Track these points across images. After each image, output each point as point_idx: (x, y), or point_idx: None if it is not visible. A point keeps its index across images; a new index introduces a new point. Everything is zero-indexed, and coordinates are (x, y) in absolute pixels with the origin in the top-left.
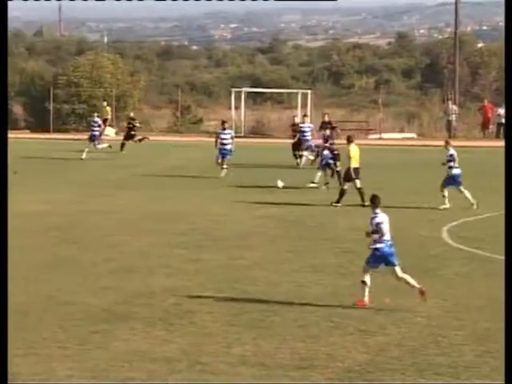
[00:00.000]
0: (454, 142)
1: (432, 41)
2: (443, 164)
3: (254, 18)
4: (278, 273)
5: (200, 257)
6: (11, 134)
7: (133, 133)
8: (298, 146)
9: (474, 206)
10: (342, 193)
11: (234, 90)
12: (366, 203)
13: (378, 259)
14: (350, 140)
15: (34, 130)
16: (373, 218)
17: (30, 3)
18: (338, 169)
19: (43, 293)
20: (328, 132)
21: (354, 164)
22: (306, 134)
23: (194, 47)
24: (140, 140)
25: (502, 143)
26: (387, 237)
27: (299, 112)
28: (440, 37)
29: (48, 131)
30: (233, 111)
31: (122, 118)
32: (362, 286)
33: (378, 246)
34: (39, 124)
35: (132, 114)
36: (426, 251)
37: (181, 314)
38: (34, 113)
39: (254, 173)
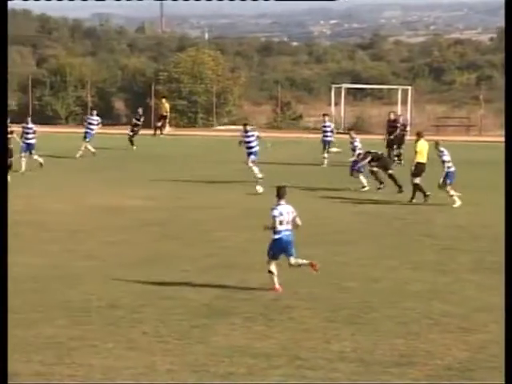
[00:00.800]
0: None
1: None
2: None
3: (355, 14)
4: (377, 269)
5: (299, 252)
6: (113, 130)
7: (136, 129)
8: (391, 143)
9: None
10: (416, 188)
11: (333, 86)
12: (414, 200)
13: (278, 250)
14: (419, 135)
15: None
16: (272, 209)
17: (132, 2)
18: (390, 171)
19: (145, 288)
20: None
21: (420, 159)
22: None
23: (295, 43)
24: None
25: None
26: (285, 227)
27: (399, 108)
28: None
29: (149, 127)
30: (333, 107)
31: (222, 114)
32: (270, 275)
33: (277, 236)
34: None
35: (140, 111)
36: None
37: (280, 309)
38: (136, 109)
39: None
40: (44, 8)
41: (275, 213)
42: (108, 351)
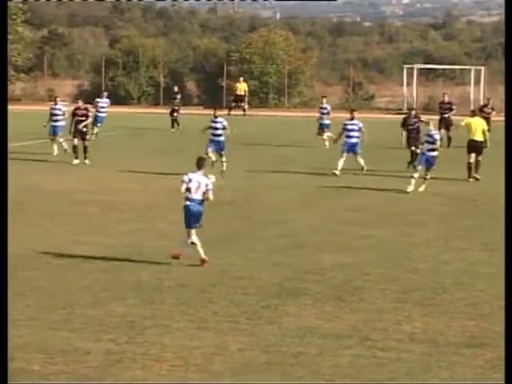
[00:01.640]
0: None
1: None
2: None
3: None
4: (448, 250)
5: (370, 233)
6: (185, 110)
7: (176, 108)
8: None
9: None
10: (469, 166)
11: (405, 66)
12: (471, 179)
13: (186, 217)
14: (473, 113)
15: (207, 106)
16: (184, 174)
17: None
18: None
19: (216, 267)
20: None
21: (471, 137)
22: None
23: (367, 23)
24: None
25: None
26: (193, 196)
27: (472, 89)
28: None
29: (221, 108)
30: (405, 87)
31: (293, 95)
32: (193, 246)
33: (186, 203)
34: (212, 100)
35: (176, 89)
36: None
37: (351, 290)
38: (207, 89)
39: None
40: None
41: (184, 178)
42: (179, 330)
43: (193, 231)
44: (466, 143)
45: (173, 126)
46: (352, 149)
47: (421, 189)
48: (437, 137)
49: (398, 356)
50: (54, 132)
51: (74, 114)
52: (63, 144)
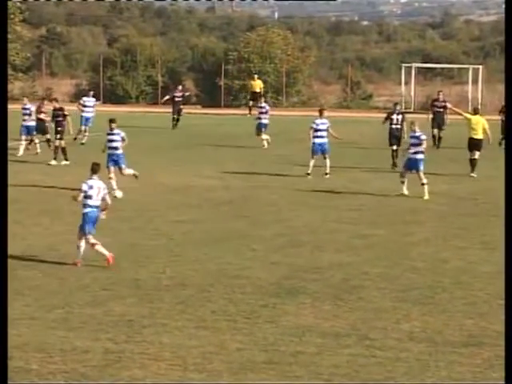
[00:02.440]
0: None
1: None
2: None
3: None
4: (447, 249)
5: (368, 232)
6: (183, 109)
7: (181, 106)
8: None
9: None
10: (471, 162)
11: (404, 65)
12: (471, 174)
13: (88, 223)
14: (475, 112)
15: (204, 105)
16: (83, 183)
17: None
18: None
19: (214, 266)
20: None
21: (471, 135)
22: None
23: (365, 22)
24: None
25: None
26: (94, 202)
27: (470, 88)
28: None
29: (219, 106)
30: (403, 86)
31: (291, 94)
32: (96, 248)
33: (86, 210)
34: (210, 99)
35: (180, 87)
36: None
37: (349, 289)
38: (205, 88)
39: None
40: None
41: (84, 187)
42: (178, 329)
43: (91, 236)
44: (461, 141)
45: (174, 126)
46: (320, 148)
47: (425, 197)
48: (423, 137)
49: (396, 355)
50: (28, 132)
51: (54, 115)
52: (37, 145)
